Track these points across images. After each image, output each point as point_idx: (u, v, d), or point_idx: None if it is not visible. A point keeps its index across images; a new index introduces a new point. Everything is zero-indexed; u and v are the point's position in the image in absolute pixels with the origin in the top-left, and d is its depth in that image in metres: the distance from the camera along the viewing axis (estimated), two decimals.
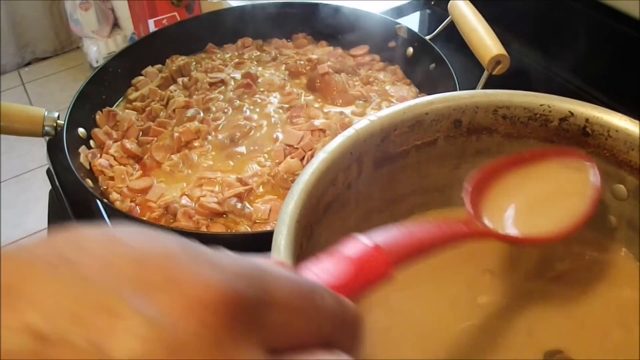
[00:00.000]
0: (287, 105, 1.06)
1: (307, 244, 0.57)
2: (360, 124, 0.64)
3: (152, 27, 2.75)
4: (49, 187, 1.11)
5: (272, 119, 1.03)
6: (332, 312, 0.30)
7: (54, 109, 1.02)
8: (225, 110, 1.05)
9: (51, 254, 0.24)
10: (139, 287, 0.24)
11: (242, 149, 0.98)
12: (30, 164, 2.94)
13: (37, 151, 2.94)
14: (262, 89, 1.11)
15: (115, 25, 3.38)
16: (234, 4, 2.30)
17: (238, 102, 1.07)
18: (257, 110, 1.06)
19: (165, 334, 0.23)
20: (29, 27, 3.53)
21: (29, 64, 3.64)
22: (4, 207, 2.71)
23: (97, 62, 3.31)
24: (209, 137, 1.00)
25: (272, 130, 1.00)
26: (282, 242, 0.52)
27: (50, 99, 3.33)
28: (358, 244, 0.39)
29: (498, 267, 0.67)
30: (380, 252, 0.39)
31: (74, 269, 0.24)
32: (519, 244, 0.65)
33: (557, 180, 0.63)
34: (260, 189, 0.91)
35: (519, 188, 0.62)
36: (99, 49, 3.30)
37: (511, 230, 0.58)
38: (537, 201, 0.61)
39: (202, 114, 1.05)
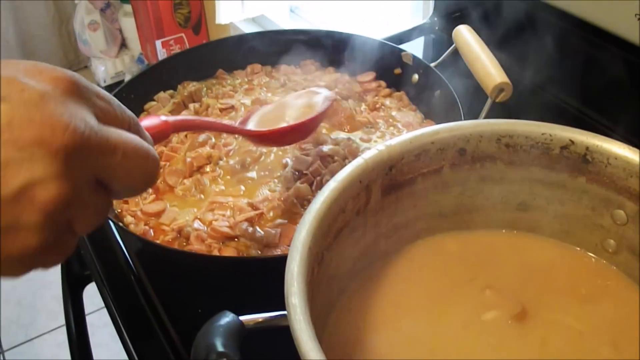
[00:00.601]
0: None
1: (318, 270, 0.59)
2: (369, 154, 0.66)
3: (159, 48, 2.78)
4: None
5: None
6: (130, 121, 0.50)
7: None
8: (236, 136, 1.07)
9: None
10: (27, 75, 0.44)
11: (252, 174, 1.00)
12: None
13: None
14: None
15: (123, 45, 3.41)
16: (241, 26, 2.33)
17: None
18: None
19: (37, 89, 0.43)
20: (37, 47, 3.56)
21: None
22: None
23: (104, 81, 3.34)
24: (221, 162, 1.03)
25: (282, 155, 1.02)
26: (295, 268, 0.54)
27: None
28: (151, 118, 0.69)
29: (496, 282, 0.69)
30: (165, 123, 0.69)
31: None
32: (258, 137, 0.90)
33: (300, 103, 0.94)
34: (271, 214, 0.93)
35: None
36: (106, 69, 3.33)
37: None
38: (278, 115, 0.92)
39: (213, 139, 1.07)
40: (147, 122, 0.67)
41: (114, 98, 0.50)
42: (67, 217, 0.44)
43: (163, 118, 0.69)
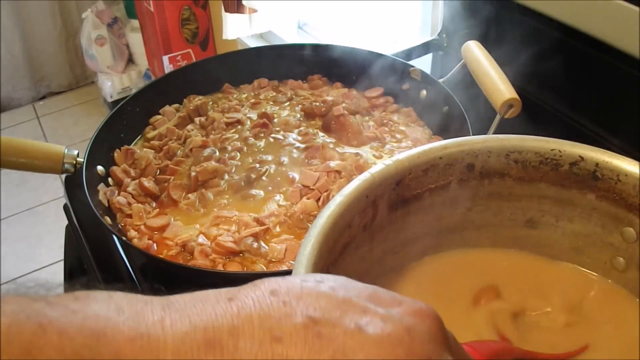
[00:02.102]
0: (303, 146, 1.08)
1: None
2: (376, 168, 0.65)
3: (166, 63, 2.78)
4: (63, 220, 1.12)
5: (288, 160, 1.05)
6: None
7: (67, 142, 1.04)
8: (241, 150, 1.07)
9: (312, 278, 0.38)
10: (376, 301, 0.37)
11: (258, 189, 1.00)
12: (43, 197, 2.96)
13: (50, 184, 2.96)
14: (277, 129, 1.13)
15: (130, 60, 3.42)
16: (248, 42, 2.33)
17: (256, 142, 1.09)
18: (273, 149, 1.08)
19: (403, 322, 0.35)
20: (44, 62, 3.58)
21: (43, 97, 3.68)
22: (18, 240, 2.73)
23: (111, 97, 3.35)
24: (226, 177, 1.02)
25: (289, 170, 1.02)
26: None
27: (64, 133, 3.36)
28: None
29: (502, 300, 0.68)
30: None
31: (332, 290, 0.37)
32: None
33: None
34: (277, 229, 0.92)
35: None
36: (113, 84, 3.33)
37: None
38: None
39: (218, 153, 1.07)
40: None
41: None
42: None
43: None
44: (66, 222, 1.12)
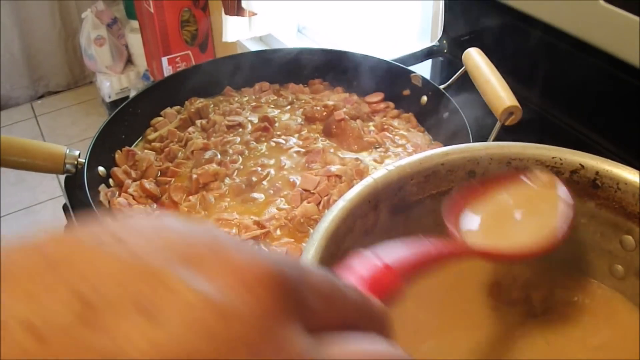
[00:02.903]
0: (303, 150, 1.08)
1: None
2: (378, 174, 0.65)
3: (165, 65, 2.78)
4: (60, 219, 1.12)
5: (289, 163, 1.05)
6: (357, 303, 0.32)
7: (65, 142, 1.05)
8: (243, 154, 1.07)
9: (100, 234, 0.25)
10: (189, 263, 0.25)
11: (259, 192, 1.00)
12: (40, 196, 2.96)
13: (47, 183, 2.95)
14: (278, 133, 1.13)
15: (129, 61, 3.42)
16: (248, 45, 2.34)
17: (255, 144, 1.10)
18: (274, 153, 1.08)
19: (217, 304, 0.24)
20: (43, 61, 3.58)
21: (42, 97, 3.67)
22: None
23: (109, 97, 3.35)
24: (227, 180, 1.03)
25: (289, 174, 1.02)
26: None
27: (62, 132, 3.36)
28: (368, 263, 0.41)
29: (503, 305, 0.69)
30: (390, 271, 0.41)
31: (124, 246, 0.24)
32: (502, 260, 0.68)
33: (529, 200, 0.65)
34: (278, 232, 0.92)
35: (492, 210, 0.64)
36: (111, 85, 3.33)
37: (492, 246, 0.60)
38: (511, 221, 0.63)
39: (219, 156, 1.07)
40: (361, 269, 0.43)
41: (336, 279, 0.32)
42: None
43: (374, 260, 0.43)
44: (64, 221, 1.12)
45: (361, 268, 0.41)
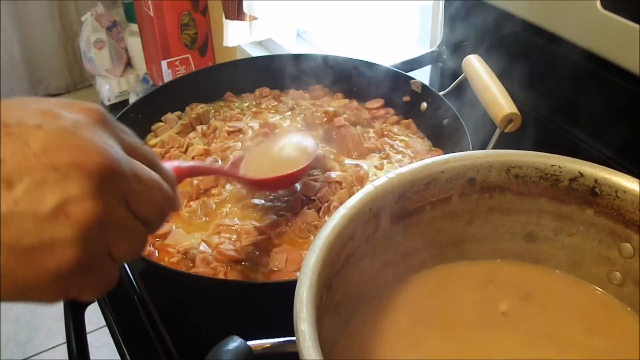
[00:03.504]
0: None
1: (326, 296, 0.59)
2: (379, 181, 0.66)
3: (165, 68, 2.79)
4: None
5: None
6: (167, 191, 0.55)
7: None
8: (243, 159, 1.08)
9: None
10: (60, 107, 0.48)
11: (260, 198, 1.00)
12: None
13: None
14: None
15: (128, 64, 3.43)
16: (248, 49, 2.34)
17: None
18: None
19: (71, 118, 0.47)
20: (43, 64, 3.58)
21: None
22: None
23: (109, 100, 3.35)
24: (228, 186, 1.03)
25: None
26: (304, 294, 0.54)
27: None
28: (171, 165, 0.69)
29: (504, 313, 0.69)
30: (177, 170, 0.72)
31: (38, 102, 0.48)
32: (252, 185, 0.96)
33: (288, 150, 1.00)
34: (278, 239, 0.93)
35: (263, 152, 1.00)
36: (111, 88, 3.34)
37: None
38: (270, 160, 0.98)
39: (220, 162, 1.07)
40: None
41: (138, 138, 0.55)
42: (103, 240, 0.47)
43: (175, 164, 0.76)
44: None
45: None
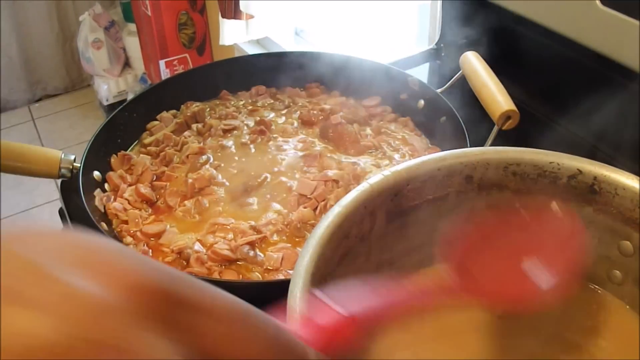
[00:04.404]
0: (301, 154, 1.08)
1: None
2: (375, 179, 0.65)
3: (163, 68, 2.78)
4: (57, 223, 1.12)
5: (286, 168, 1.05)
6: (275, 343, 0.32)
7: (62, 145, 1.05)
8: (239, 157, 1.07)
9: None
10: (74, 265, 0.27)
11: (255, 197, 1.00)
12: (37, 200, 2.96)
13: (44, 187, 2.95)
14: (275, 136, 1.13)
15: (127, 64, 3.42)
16: (245, 48, 2.33)
17: (253, 149, 1.09)
18: (270, 157, 1.08)
19: (88, 299, 0.26)
20: (41, 64, 3.57)
21: (39, 100, 3.67)
22: None
23: (107, 100, 3.34)
24: (226, 184, 1.02)
25: (286, 179, 1.02)
26: (297, 293, 0.53)
27: (60, 135, 3.36)
28: (332, 313, 0.38)
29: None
30: (355, 323, 0.38)
31: (22, 245, 0.27)
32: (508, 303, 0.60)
33: (541, 233, 0.61)
34: (275, 237, 0.92)
35: (500, 246, 0.60)
36: (109, 88, 3.33)
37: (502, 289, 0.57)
38: (522, 258, 0.58)
39: (212, 159, 1.07)
40: (320, 319, 0.39)
41: (252, 311, 0.32)
42: None
43: (340, 311, 0.39)
44: (60, 225, 1.12)
45: (323, 317, 0.38)
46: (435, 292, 0.52)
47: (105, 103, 3.37)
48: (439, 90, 1.13)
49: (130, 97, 3.23)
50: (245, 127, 1.15)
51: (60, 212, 1.11)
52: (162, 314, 0.28)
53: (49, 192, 2.95)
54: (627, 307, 0.68)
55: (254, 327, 0.31)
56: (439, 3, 1.38)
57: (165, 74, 2.81)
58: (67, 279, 0.26)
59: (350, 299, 0.40)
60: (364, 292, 0.42)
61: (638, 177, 0.65)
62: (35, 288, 0.25)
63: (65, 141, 3.25)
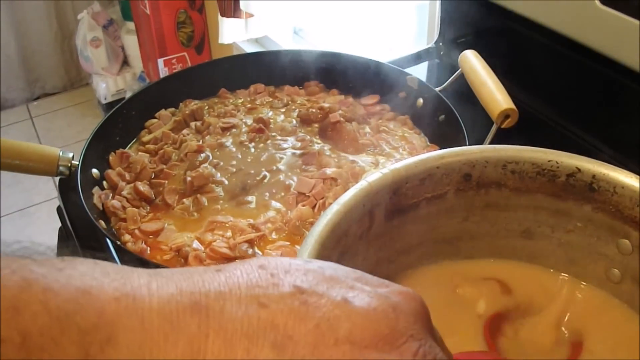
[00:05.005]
0: (299, 152, 1.08)
1: None
2: (373, 177, 0.65)
3: (161, 66, 2.78)
4: (55, 221, 1.12)
5: (285, 166, 1.05)
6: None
7: (60, 143, 1.05)
8: (237, 155, 1.07)
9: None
10: (363, 282, 0.37)
11: (254, 195, 1.00)
12: (35, 198, 2.96)
13: (42, 185, 2.95)
14: (274, 134, 1.13)
15: (125, 63, 3.42)
16: (244, 47, 2.33)
17: (252, 148, 1.09)
18: (269, 155, 1.08)
19: (391, 301, 0.36)
20: (39, 63, 3.58)
21: (37, 98, 3.67)
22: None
23: (105, 98, 3.34)
24: (225, 182, 1.02)
25: (285, 177, 1.02)
26: None
27: (58, 134, 3.36)
28: None
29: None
30: None
31: (322, 269, 0.38)
32: None
33: None
34: (274, 235, 0.92)
35: None
36: (107, 86, 3.33)
37: None
38: None
39: (211, 157, 1.07)
40: None
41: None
42: None
43: None
44: (58, 223, 1.12)
45: None
46: None
47: (104, 101, 3.37)
48: (437, 89, 1.13)
49: (128, 95, 3.22)
50: (244, 126, 1.15)
51: (58, 210, 1.11)
52: (430, 323, 0.39)
53: (47, 190, 2.96)
54: (626, 305, 0.68)
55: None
56: (438, 2, 1.38)
57: (163, 72, 2.81)
58: (367, 288, 0.37)
59: None
60: None
61: (637, 176, 0.65)
62: (349, 292, 0.36)
63: (64, 139, 3.25)
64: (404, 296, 0.37)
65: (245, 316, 0.33)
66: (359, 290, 0.36)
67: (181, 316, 0.33)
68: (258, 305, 0.34)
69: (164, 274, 0.35)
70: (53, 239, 1.19)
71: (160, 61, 2.80)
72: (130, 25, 3.13)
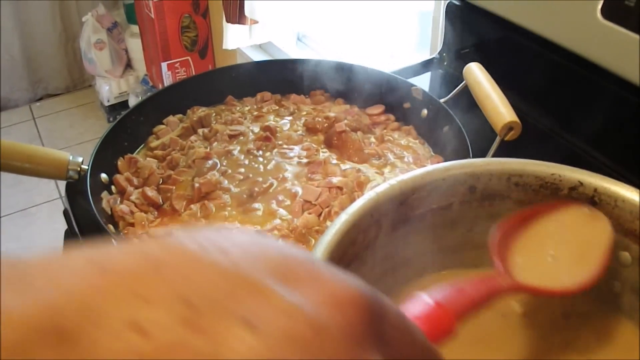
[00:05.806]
0: (305, 160, 1.09)
1: None
2: (381, 188, 0.66)
3: (165, 70, 2.79)
4: (56, 222, 1.13)
5: (291, 174, 1.06)
6: (423, 346, 0.31)
7: (62, 145, 1.06)
8: (245, 163, 1.08)
9: (202, 240, 0.26)
10: (285, 278, 0.26)
11: (261, 202, 1.01)
12: (36, 199, 2.96)
13: (43, 186, 2.96)
14: (280, 142, 1.14)
15: (128, 66, 3.43)
16: (248, 53, 2.34)
17: (260, 156, 1.11)
18: (276, 163, 1.09)
19: (311, 317, 0.24)
20: (43, 64, 3.58)
21: (40, 99, 3.68)
22: (10, 241, 2.72)
23: (108, 101, 3.35)
24: (232, 189, 1.03)
25: (291, 185, 1.03)
26: None
27: (60, 135, 3.36)
28: (421, 303, 0.42)
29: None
30: (443, 310, 0.42)
31: (226, 256, 0.25)
32: (546, 295, 0.66)
33: (574, 230, 0.67)
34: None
35: (538, 240, 0.66)
36: (110, 89, 3.34)
37: (539, 282, 0.61)
38: (558, 252, 0.65)
39: (219, 165, 1.08)
40: (414, 309, 0.42)
41: (408, 318, 0.31)
42: None
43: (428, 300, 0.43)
44: (60, 224, 1.12)
45: (414, 308, 0.41)
46: (498, 288, 0.56)
47: (107, 104, 3.38)
48: (442, 100, 1.14)
49: (131, 98, 3.24)
50: (251, 133, 1.16)
51: (65, 213, 1.11)
52: (375, 330, 0.27)
53: (48, 191, 2.96)
54: (625, 317, 0.69)
55: (412, 334, 0.31)
56: (442, 11, 1.39)
57: (167, 76, 2.82)
58: (282, 293, 0.25)
59: (435, 293, 0.44)
60: (446, 287, 0.47)
61: (637, 190, 0.66)
62: (252, 304, 0.24)
63: (66, 141, 3.26)
64: (337, 304, 0.26)
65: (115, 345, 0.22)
66: (270, 301, 0.24)
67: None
68: (139, 337, 0.22)
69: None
70: (53, 240, 1.20)
71: (164, 65, 2.81)
72: (135, 28, 3.14)
